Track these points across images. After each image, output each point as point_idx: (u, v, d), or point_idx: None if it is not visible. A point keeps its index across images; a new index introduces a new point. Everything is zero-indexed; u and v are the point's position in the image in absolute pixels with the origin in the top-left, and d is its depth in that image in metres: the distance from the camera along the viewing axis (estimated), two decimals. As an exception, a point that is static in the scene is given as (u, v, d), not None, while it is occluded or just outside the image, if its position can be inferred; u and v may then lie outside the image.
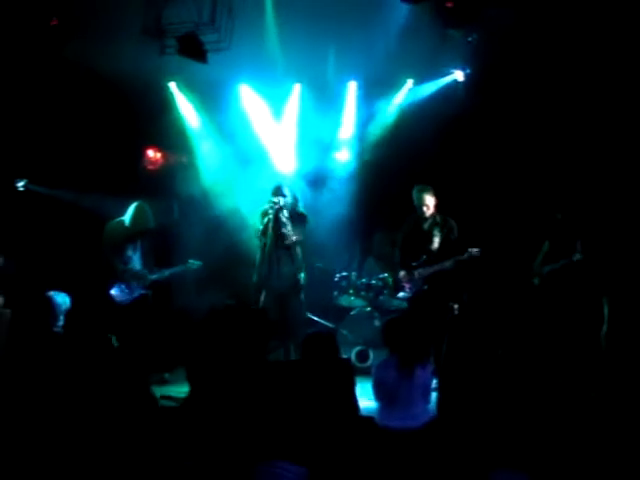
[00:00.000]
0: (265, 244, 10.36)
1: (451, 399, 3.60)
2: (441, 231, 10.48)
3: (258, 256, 10.51)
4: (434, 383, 7.60)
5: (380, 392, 7.44)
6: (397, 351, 7.43)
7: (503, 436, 4.46)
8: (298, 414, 6.45)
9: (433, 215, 10.55)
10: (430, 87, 12.32)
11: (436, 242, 10.44)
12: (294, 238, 10.43)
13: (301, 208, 10.72)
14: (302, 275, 10.65)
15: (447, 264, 10.32)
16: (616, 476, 4.52)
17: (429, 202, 10.49)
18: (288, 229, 10.37)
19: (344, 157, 13.00)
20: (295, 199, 10.68)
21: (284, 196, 10.46)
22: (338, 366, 7.02)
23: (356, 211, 12.35)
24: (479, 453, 3.63)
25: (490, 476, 3.61)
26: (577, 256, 10.04)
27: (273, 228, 10.32)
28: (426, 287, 10.42)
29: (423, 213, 10.54)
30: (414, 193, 10.60)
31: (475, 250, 10.22)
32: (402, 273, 10.66)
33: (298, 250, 10.60)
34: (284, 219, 10.37)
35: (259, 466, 3.87)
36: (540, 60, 10.86)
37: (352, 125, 12.96)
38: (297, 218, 10.59)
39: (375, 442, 7.14)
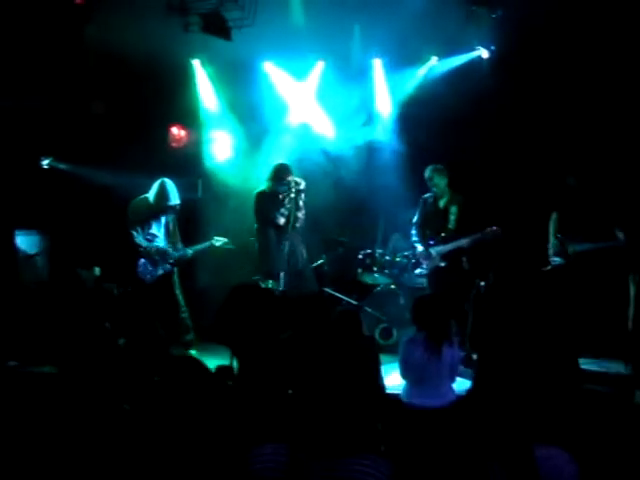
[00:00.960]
0: (285, 225, 10.48)
1: (489, 375, 3.61)
2: (457, 208, 10.51)
3: (273, 237, 10.65)
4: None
5: (407, 370, 7.45)
6: (425, 329, 7.44)
7: (544, 413, 4.46)
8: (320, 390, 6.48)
9: (448, 194, 10.60)
10: (454, 61, 12.26)
11: (452, 220, 10.47)
12: (301, 222, 10.60)
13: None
14: (305, 253, 10.89)
15: (464, 242, 10.35)
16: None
17: (440, 181, 10.55)
18: (303, 213, 10.53)
19: (371, 133, 12.91)
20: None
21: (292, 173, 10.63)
22: (363, 343, 7.04)
23: (380, 188, 12.33)
24: (521, 428, 3.63)
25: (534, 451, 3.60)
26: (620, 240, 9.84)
27: (293, 210, 10.43)
28: (443, 264, 10.48)
29: (437, 192, 10.60)
30: (426, 172, 10.64)
31: (492, 229, 10.22)
32: (420, 251, 10.72)
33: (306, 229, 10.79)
34: (301, 202, 10.49)
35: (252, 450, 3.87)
36: (563, 39, 10.79)
37: (380, 101, 12.89)
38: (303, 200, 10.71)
39: (402, 420, 7.17)
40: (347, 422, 3.75)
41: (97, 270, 9.78)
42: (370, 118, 12.96)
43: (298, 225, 10.60)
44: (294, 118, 13.03)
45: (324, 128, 12.97)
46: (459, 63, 12.17)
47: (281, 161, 10.99)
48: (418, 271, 10.90)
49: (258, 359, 5.68)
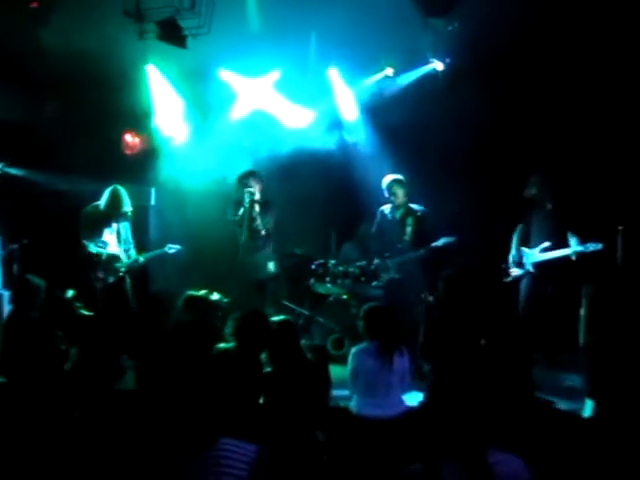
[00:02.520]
0: (240, 234, 10.46)
1: (443, 385, 3.62)
2: (414, 220, 10.55)
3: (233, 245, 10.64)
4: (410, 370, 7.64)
5: (358, 380, 7.44)
6: (376, 339, 7.44)
7: (498, 420, 4.50)
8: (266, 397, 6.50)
9: (405, 204, 10.63)
10: (409, 77, 12.29)
11: (409, 231, 10.51)
12: (263, 232, 10.55)
13: (269, 196, 10.79)
14: (273, 263, 10.77)
15: (420, 253, 10.39)
16: (612, 460, 4.56)
17: (399, 192, 10.59)
18: (258, 223, 10.49)
19: (323, 143, 12.86)
20: (263, 185, 10.75)
21: (259, 182, 10.58)
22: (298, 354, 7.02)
23: (335, 197, 12.32)
24: (476, 435, 3.65)
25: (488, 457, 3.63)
26: (592, 247, 9.95)
27: (247, 220, 10.40)
28: (398, 276, 10.51)
29: (394, 202, 10.63)
30: (384, 183, 10.69)
31: (448, 239, 10.27)
32: (376, 262, 10.76)
33: (269, 240, 10.70)
34: (255, 213, 10.47)
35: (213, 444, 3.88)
36: (520, 48, 10.87)
37: (342, 108, 12.87)
38: (266, 207, 10.66)
39: (352, 431, 7.17)
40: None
41: (70, 292, 9.66)
42: (332, 125, 12.92)
43: (258, 235, 10.58)
44: (251, 122, 12.91)
45: (283, 136, 12.84)
46: (415, 77, 12.22)
47: (247, 169, 10.97)
48: (375, 283, 10.92)
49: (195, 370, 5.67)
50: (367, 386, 7.35)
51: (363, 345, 7.61)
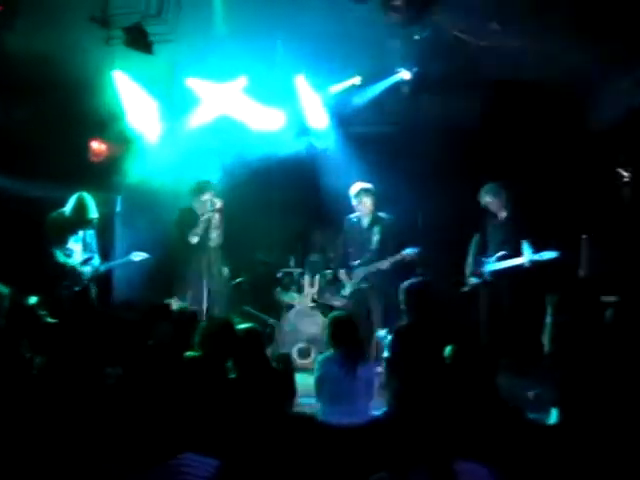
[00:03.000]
0: (199, 244, 10.44)
1: (408, 394, 3.64)
2: (381, 229, 10.56)
3: (187, 254, 10.61)
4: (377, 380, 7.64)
5: (323, 388, 7.43)
6: (341, 347, 7.44)
7: (462, 430, 4.50)
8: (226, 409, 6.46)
9: (372, 214, 10.64)
10: (377, 87, 12.31)
11: (375, 240, 10.52)
12: (220, 241, 10.57)
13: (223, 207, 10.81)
14: (226, 270, 10.96)
15: (384, 264, 10.41)
16: (576, 468, 4.57)
17: (367, 201, 10.60)
18: (218, 232, 10.52)
19: (291, 149, 12.82)
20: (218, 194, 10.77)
21: (215, 193, 10.61)
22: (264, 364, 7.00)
23: (303, 205, 12.32)
24: (441, 445, 3.65)
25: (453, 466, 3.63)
26: (546, 255, 10.02)
27: (208, 229, 10.42)
28: (365, 285, 10.53)
29: (362, 212, 10.64)
30: (353, 191, 10.69)
31: (411, 251, 10.29)
32: (342, 271, 10.76)
33: (223, 248, 10.79)
34: (216, 222, 10.48)
35: (168, 460, 3.82)
36: (485, 59, 10.91)
37: (310, 116, 12.85)
38: (222, 218, 10.68)
39: (316, 439, 7.14)
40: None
41: (33, 299, 9.55)
42: (301, 131, 12.89)
43: (213, 245, 10.57)
44: (219, 127, 12.82)
45: (251, 141, 12.75)
46: (383, 86, 12.23)
47: (202, 179, 10.94)
48: (343, 291, 10.93)
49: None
50: (332, 394, 7.34)
51: (328, 353, 7.61)
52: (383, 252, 10.55)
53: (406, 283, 8.49)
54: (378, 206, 10.78)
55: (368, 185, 10.78)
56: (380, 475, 3.66)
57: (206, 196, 10.57)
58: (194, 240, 10.59)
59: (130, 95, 12.02)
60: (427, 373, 3.86)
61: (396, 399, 3.86)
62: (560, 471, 4.61)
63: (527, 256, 9.99)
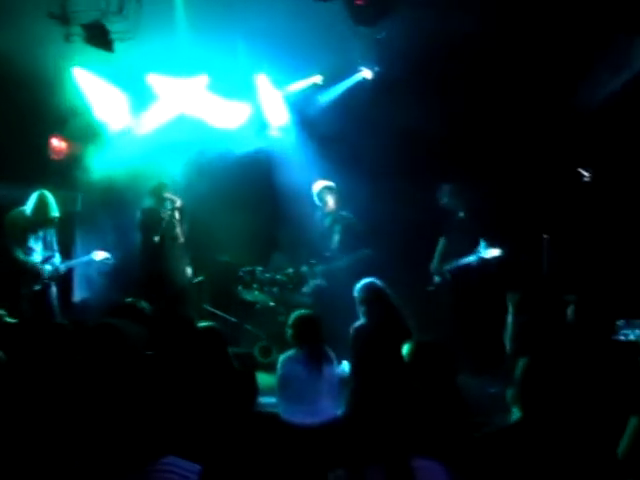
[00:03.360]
0: (161, 242, 10.40)
1: (366, 392, 3.65)
2: (342, 228, 10.58)
3: (149, 253, 10.56)
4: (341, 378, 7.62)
5: (287, 388, 7.41)
6: (304, 346, 7.43)
7: (419, 428, 4.51)
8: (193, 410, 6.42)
9: (334, 212, 10.65)
10: (339, 86, 12.32)
11: (336, 239, 10.53)
12: (182, 239, 10.50)
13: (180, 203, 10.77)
14: (190, 269, 10.87)
15: (342, 263, 10.44)
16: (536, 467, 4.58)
17: (329, 199, 10.62)
18: (179, 230, 10.45)
19: (252, 146, 12.75)
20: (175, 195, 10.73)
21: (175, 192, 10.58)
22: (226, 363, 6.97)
23: (263, 205, 12.28)
24: (399, 442, 3.66)
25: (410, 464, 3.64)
26: (490, 252, 10.16)
27: (169, 228, 10.37)
28: (325, 284, 10.55)
29: (324, 209, 10.65)
30: (315, 190, 10.70)
31: (364, 251, 10.33)
32: (304, 269, 10.77)
33: (185, 246, 10.71)
34: (175, 221, 10.44)
35: (149, 465, 3.75)
36: (447, 58, 10.94)
37: (271, 114, 12.80)
38: (182, 214, 10.64)
39: (279, 438, 7.13)
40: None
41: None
42: (262, 130, 12.84)
43: (176, 243, 10.53)
44: (181, 125, 12.72)
45: (211, 139, 12.69)
46: (345, 86, 12.24)
47: (161, 180, 10.90)
48: (304, 289, 10.95)
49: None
50: (295, 393, 7.33)
51: (291, 352, 7.58)
52: (343, 251, 10.58)
53: (361, 283, 8.54)
54: (340, 205, 10.80)
55: (330, 183, 10.80)
56: (337, 473, 3.65)
57: (165, 195, 10.53)
58: (156, 239, 10.54)
59: (93, 90, 11.89)
60: (384, 372, 3.86)
61: (353, 398, 3.86)
62: (519, 469, 4.62)
63: (476, 254, 10.14)
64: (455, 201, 10.99)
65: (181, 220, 10.66)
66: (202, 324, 7.21)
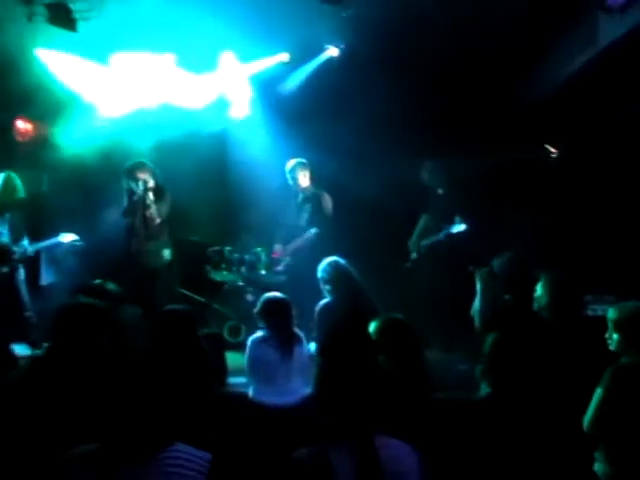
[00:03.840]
0: (133, 223, 10.35)
1: (331, 371, 3.65)
2: (312, 204, 10.58)
3: (126, 233, 10.51)
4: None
5: (258, 369, 7.41)
6: (275, 329, 7.43)
7: (385, 406, 4.52)
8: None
9: (307, 190, 10.66)
10: (308, 66, 12.27)
11: (305, 216, 10.54)
12: (159, 220, 10.43)
13: (161, 183, 10.67)
14: (168, 251, 10.63)
15: (307, 238, 10.48)
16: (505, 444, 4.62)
17: (301, 176, 10.62)
18: (152, 210, 10.35)
19: (219, 125, 12.66)
20: (156, 174, 10.64)
21: (147, 172, 10.46)
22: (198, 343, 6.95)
23: (231, 184, 12.21)
24: (361, 421, 3.67)
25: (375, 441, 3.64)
26: (456, 228, 10.26)
27: (141, 209, 10.29)
28: (293, 262, 10.58)
29: (296, 187, 10.65)
30: (288, 167, 10.69)
31: (315, 230, 10.39)
32: (276, 247, 10.79)
33: (163, 227, 10.58)
34: (149, 201, 10.34)
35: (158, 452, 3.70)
36: (414, 36, 10.90)
37: (236, 92, 12.66)
38: (160, 195, 10.54)
39: (251, 419, 7.14)
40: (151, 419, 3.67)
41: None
42: (228, 109, 12.74)
43: (150, 224, 10.46)
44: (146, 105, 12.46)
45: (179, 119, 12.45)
46: (313, 66, 12.19)
47: (137, 160, 10.78)
48: (278, 268, 10.97)
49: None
50: (266, 375, 7.34)
51: (262, 334, 7.57)
52: (313, 227, 10.59)
53: (324, 262, 8.58)
54: (314, 182, 10.81)
55: (302, 160, 10.81)
56: (300, 452, 3.65)
57: (139, 175, 10.44)
58: (129, 220, 10.49)
59: (60, 66, 11.70)
60: (350, 349, 3.86)
61: (319, 376, 3.85)
62: (488, 446, 4.65)
63: (443, 230, 10.27)
64: (435, 178, 11.07)
65: (158, 200, 10.55)
66: (170, 307, 7.20)
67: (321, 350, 7.19)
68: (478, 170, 11.57)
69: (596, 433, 5.31)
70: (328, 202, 10.71)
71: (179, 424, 3.82)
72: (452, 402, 5.38)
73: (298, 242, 10.71)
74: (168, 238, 10.81)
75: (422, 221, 11.29)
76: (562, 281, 6.83)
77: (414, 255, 11.19)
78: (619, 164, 10.96)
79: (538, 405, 4.86)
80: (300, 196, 10.88)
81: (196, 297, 11.35)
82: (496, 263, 8.12)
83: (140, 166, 10.59)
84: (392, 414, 4.45)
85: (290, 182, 10.91)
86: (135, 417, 3.64)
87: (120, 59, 11.89)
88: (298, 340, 7.51)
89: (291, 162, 10.87)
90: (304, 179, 10.81)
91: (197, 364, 6.72)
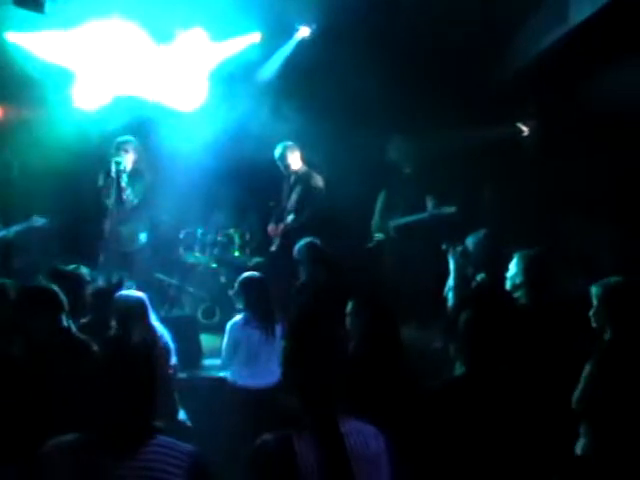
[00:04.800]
0: (107, 204, 10.26)
1: (295, 354, 3.64)
2: (302, 187, 10.58)
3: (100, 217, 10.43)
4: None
5: (239, 351, 7.43)
6: (255, 309, 7.44)
7: (358, 387, 4.54)
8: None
9: (298, 172, 10.65)
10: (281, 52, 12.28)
11: (293, 198, 10.54)
12: (135, 202, 10.33)
13: (142, 165, 10.58)
14: (143, 235, 10.56)
15: (290, 221, 10.49)
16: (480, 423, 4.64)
17: (291, 158, 10.62)
18: (128, 193, 10.25)
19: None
20: (138, 154, 10.54)
21: (127, 152, 10.35)
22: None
23: (205, 165, 12.14)
24: (327, 402, 3.66)
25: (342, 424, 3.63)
26: (446, 209, 10.26)
27: (115, 191, 10.17)
28: (279, 243, 10.60)
29: (288, 170, 10.65)
30: (277, 150, 10.69)
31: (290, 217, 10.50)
32: (270, 227, 10.80)
33: (141, 210, 10.50)
34: (124, 184, 10.22)
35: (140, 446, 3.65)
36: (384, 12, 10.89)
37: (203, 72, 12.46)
38: (138, 177, 10.46)
39: (232, 402, 7.18)
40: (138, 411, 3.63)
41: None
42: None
43: (123, 207, 10.34)
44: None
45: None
46: (286, 50, 12.16)
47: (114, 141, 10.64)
48: (272, 248, 11.11)
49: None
50: (249, 357, 7.43)
51: (242, 316, 7.59)
52: (299, 211, 10.58)
53: (300, 243, 8.61)
54: (304, 162, 10.83)
55: (290, 143, 10.82)
56: (265, 437, 3.63)
57: (122, 154, 10.31)
58: (106, 202, 10.40)
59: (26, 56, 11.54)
60: (318, 331, 3.85)
61: (285, 359, 3.82)
62: (463, 424, 4.66)
63: (429, 210, 10.23)
64: (402, 155, 11.06)
65: (135, 182, 10.48)
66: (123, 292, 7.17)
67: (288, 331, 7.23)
68: (449, 148, 11.56)
69: (584, 410, 5.36)
70: (318, 181, 10.67)
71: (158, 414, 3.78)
72: (427, 381, 5.38)
73: (282, 225, 10.72)
74: (147, 222, 10.72)
75: (381, 199, 11.22)
76: (536, 259, 6.85)
77: (379, 235, 11.12)
78: (590, 142, 11.00)
79: (514, 384, 4.87)
80: (292, 178, 10.87)
81: (169, 280, 11.30)
82: (469, 241, 8.15)
83: (125, 144, 10.47)
84: (362, 396, 4.47)
85: (282, 168, 10.88)
86: (115, 407, 3.61)
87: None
88: (279, 318, 7.53)
89: (278, 149, 10.83)
90: (295, 161, 10.79)
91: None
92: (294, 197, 10.68)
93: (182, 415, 6.87)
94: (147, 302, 7.05)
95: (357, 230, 11.42)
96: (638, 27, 8.94)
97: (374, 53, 11.04)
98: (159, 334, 6.96)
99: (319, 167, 10.96)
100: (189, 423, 6.88)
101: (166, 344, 6.98)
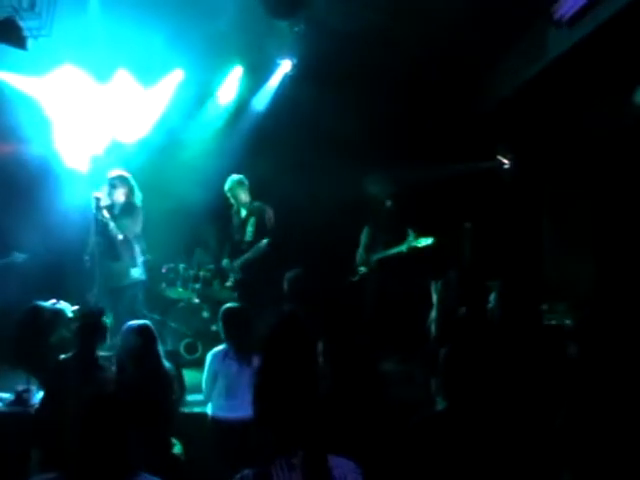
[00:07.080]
0: (91, 243, 10.19)
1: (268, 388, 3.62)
2: (255, 219, 10.63)
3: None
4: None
5: (218, 383, 7.43)
6: (234, 340, 7.45)
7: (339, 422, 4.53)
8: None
9: (248, 204, 10.71)
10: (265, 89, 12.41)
11: (249, 231, 10.59)
12: (120, 236, 10.26)
13: (135, 199, 10.54)
14: (137, 270, 10.50)
15: (250, 254, 10.52)
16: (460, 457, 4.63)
17: (241, 193, 10.68)
18: (111, 228, 10.18)
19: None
20: (129, 189, 10.50)
21: (114, 187, 10.30)
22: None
23: (185, 201, 12.14)
24: (313, 442, 3.64)
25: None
26: (423, 241, 10.34)
27: (96, 226, 10.07)
28: (243, 277, 10.59)
29: (237, 203, 10.71)
30: (227, 184, 10.74)
31: (264, 241, 10.54)
32: (224, 262, 10.83)
33: (132, 244, 10.44)
34: (105, 219, 10.12)
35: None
36: (361, 53, 10.96)
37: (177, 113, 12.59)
38: (127, 212, 10.41)
39: (212, 436, 7.16)
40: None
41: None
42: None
43: (113, 242, 10.29)
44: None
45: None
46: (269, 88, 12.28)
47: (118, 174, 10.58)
48: (227, 284, 10.97)
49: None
50: (228, 388, 7.39)
51: (221, 347, 7.60)
52: (256, 242, 10.63)
53: (289, 272, 8.61)
54: (254, 196, 10.85)
55: (240, 176, 10.83)
56: (244, 472, 3.61)
57: (94, 194, 10.22)
58: (90, 240, 10.29)
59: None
60: (290, 369, 3.83)
61: (257, 394, 3.79)
62: (443, 460, 4.66)
63: (407, 242, 10.31)
64: (382, 190, 11.11)
65: (124, 217, 10.41)
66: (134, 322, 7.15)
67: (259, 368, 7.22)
68: (429, 182, 11.64)
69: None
70: (271, 215, 10.75)
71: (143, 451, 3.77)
72: (408, 417, 5.37)
73: (247, 255, 10.71)
74: (139, 257, 10.64)
75: (365, 234, 11.30)
76: (513, 291, 6.88)
77: (362, 269, 11.17)
78: (569, 173, 11.08)
79: (495, 419, 4.87)
80: (243, 211, 10.90)
81: (151, 315, 11.27)
82: (452, 275, 8.17)
83: (113, 179, 10.40)
84: (340, 431, 4.46)
85: (231, 200, 10.92)
86: (97, 444, 3.59)
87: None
88: (257, 350, 7.52)
89: (229, 180, 10.88)
90: (244, 195, 10.83)
91: (159, 380, 6.71)
92: (250, 230, 10.70)
93: (177, 449, 6.83)
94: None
95: (340, 264, 11.42)
96: (616, 60, 9.01)
97: (353, 88, 11.14)
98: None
99: (268, 201, 10.95)
100: (183, 458, 6.83)
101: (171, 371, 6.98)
